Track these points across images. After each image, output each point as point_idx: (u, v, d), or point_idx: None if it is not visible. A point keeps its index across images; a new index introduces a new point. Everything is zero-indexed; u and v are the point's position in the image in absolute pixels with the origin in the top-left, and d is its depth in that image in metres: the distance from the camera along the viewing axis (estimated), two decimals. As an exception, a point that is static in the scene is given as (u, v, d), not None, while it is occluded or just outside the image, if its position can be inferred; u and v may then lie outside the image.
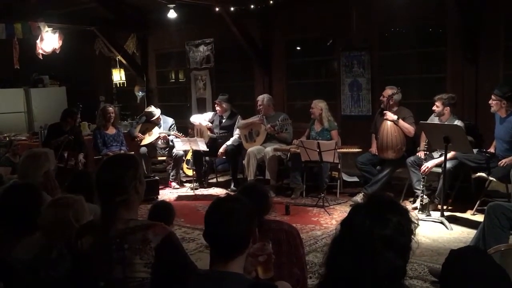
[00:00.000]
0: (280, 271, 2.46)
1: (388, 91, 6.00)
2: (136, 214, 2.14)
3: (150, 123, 7.55)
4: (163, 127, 7.56)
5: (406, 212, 1.45)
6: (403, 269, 1.42)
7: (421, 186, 5.42)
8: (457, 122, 5.35)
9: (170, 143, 7.41)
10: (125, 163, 2.14)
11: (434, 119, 5.66)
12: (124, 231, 1.99)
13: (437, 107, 5.55)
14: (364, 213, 1.43)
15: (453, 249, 1.66)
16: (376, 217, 1.40)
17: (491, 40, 6.12)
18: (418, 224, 1.47)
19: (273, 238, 2.39)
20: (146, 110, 7.81)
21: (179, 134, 7.36)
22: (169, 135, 7.43)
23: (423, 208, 5.38)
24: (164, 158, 7.76)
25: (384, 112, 5.93)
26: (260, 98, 7.20)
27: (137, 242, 1.96)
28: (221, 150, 7.14)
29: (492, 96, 5.17)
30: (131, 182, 2.07)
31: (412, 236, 1.43)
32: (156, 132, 7.46)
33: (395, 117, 5.84)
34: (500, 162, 5.07)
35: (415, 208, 5.54)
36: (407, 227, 1.42)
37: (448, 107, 5.50)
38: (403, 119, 5.86)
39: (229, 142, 7.19)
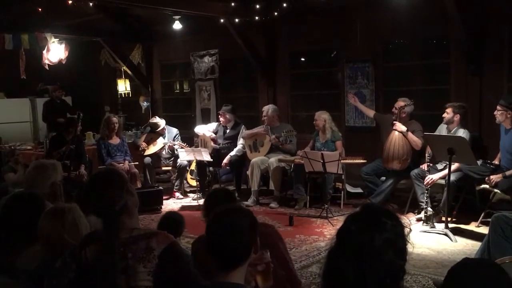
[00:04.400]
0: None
1: (400, 103, 6.00)
2: (137, 221, 2.16)
3: (154, 134, 7.58)
4: (168, 137, 7.58)
5: (397, 217, 1.54)
6: (403, 268, 1.49)
7: (425, 198, 5.40)
8: (463, 133, 5.35)
9: (176, 152, 7.41)
10: (108, 175, 2.18)
11: (443, 127, 5.67)
12: (127, 240, 2.00)
13: (447, 113, 5.54)
14: (361, 220, 1.51)
15: (461, 260, 1.66)
16: (373, 222, 1.48)
17: (495, 51, 6.11)
18: (410, 229, 1.56)
19: None
20: (150, 120, 7.84)
21: (183, 144, 7.38)
22: (174, 145, 7.45)
23: (428, 220, 5.35)
24: (168, 168, 7.77)
25: (394, 122, 5.93)
26: (265, 108, 7.20)
27: (141, 250, 1.97)
28: (225, 160, 7.13)
29: (498, 107, 5.18)
30: (122, 187, 2.10)
31: (407, 240, 1.51)
32: (160, 142, 7.48)
33: (404, 128, 5.84)
34: (493, 176, 5.07)
35: (419, 220, 5.52)
36: (401, 230, 1.51)
37: (458, 115, 5.50)
38: (412, 132, 5.86)
39: (233, 153, 7.19)
